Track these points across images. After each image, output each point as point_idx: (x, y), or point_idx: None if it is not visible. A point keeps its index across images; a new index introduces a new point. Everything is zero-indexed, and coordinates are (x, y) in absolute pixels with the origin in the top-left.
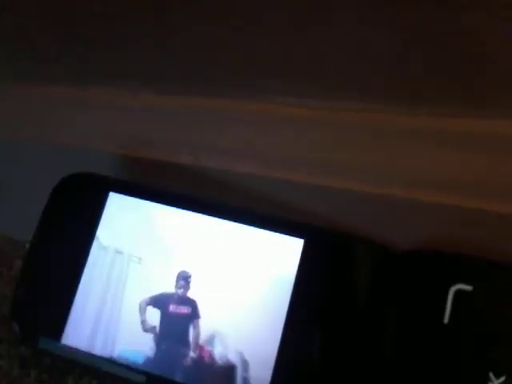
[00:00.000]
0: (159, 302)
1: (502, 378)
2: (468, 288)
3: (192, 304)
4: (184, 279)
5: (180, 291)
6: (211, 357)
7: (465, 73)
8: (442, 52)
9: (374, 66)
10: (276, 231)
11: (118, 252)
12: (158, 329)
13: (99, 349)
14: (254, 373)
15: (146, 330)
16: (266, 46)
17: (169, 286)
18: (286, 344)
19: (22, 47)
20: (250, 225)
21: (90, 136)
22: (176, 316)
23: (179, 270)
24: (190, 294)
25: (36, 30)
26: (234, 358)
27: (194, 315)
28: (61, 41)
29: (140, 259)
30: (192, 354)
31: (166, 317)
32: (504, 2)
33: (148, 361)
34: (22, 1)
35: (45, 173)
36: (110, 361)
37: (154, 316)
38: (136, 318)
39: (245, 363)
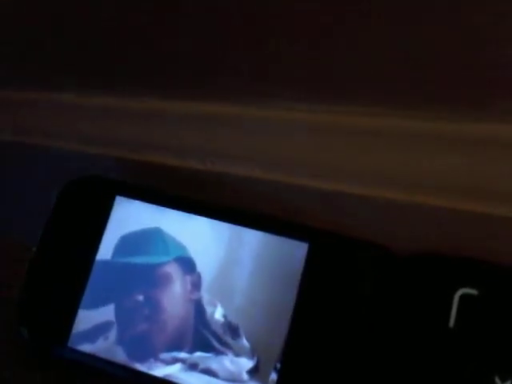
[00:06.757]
0: None
1: (508, 383)
2: (473, 292)
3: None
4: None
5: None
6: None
7: (465, 76)
8: (442, 55)
9: (375, 71)
10: (280, 234)
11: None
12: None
13: (107, 352)
14: None
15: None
16: (271, 51)
17: None
18: (290, 347)
19: (23, 50)
20: (255, 228)
21: (92, 139)
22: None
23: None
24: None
25: (37, 33)
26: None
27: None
28: (62, 43)
29: None
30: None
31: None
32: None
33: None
34: (23, 4)
35: (48, 176)
36: (117, 365)
37: None
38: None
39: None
